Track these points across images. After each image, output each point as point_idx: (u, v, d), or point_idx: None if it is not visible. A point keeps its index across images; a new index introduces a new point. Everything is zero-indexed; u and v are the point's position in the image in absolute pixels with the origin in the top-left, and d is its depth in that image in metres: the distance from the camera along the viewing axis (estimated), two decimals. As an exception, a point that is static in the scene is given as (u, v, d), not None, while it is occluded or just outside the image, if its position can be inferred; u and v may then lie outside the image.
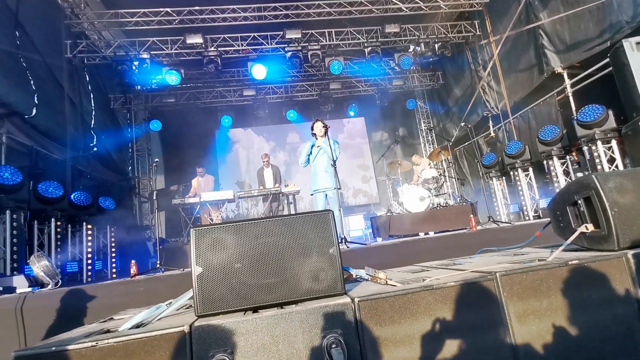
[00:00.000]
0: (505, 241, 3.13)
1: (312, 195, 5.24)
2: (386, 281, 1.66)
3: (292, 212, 7.13)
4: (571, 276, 1.54)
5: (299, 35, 8.33)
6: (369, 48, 8.77)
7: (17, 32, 6.00)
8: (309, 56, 8.63)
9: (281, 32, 8.39)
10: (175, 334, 1.29)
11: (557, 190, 2.33)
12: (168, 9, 7.88)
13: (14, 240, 4.67)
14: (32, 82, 6.13)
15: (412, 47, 10.17)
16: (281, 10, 8.23)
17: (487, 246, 2.80)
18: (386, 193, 11.62)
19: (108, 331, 1.43)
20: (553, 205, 2.04)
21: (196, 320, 1.40)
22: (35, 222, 5.32)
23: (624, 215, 1.63)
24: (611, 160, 5.49)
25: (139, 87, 10.21)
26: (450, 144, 7.92)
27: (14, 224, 4.71)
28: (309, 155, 5.18)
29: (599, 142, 5.49)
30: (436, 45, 9.04)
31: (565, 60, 6.60)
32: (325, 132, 4.95)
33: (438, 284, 1.48)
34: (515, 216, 7.74)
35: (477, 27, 9.09)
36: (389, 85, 11.60)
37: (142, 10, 7.86)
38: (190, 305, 1.80)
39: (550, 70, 6.89)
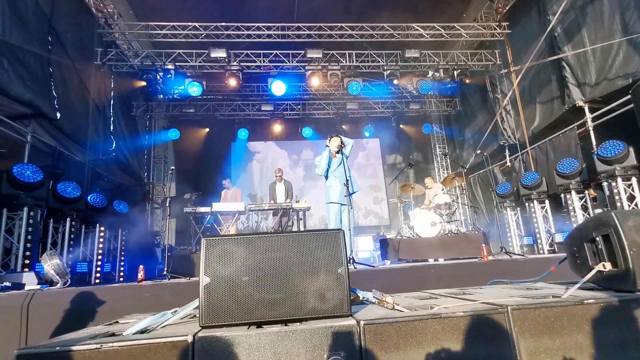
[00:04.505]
0: (517, 274, 3.04)
1: (327, 204, 5.07)
2: (393, 306, 1.63)
3: (302, 228, 7.11)
4: (587, 315, 1.48)
5: (320, 55, 8.51)
6: (388, 71, 8.89)
7: (49, 37, 6.27)
8: (329, 76, 8.79)
9: (302, 51, 8.59)
10: (179, 343, 1.29)
11: (575, 225, 2.27)
12: (195, 24, 8.21)
13: (29, 237, 4.77)
14: (58, 85, 6.35)
15: (430, 73, 10.24)
16: (304, 30, 8.47)
17: (498, 277, 2.72)
18: (397, 216, 11.51)
19: (113, 334, 1.44)
20: (570, 241, 1.99)
21: (200, 330, 1.39)
22: (51, 220, 5.45)
23: (644, 256, 1.58)
24: (631, 198, 5.34)
25: (161, 96, 10.53)
26: (465, 170, 7.84)
27: (30, 221, 4.82)
28: (328, 164, 5.01)
29: (619, 179, 5.38)
30: (455, 72, 9.09)
31: (587, 94, 6.53)
32: (339, 151, 4.82)
33: (447, 313, 1.44)
34: (529, 249, 7.54)
35: (497, 56, 9.12)
36: (406, 109, 11.66)
37: (171, 23, 8.20)
38: (195, 315, 1.79)
39: (571, 102, 6.82)
